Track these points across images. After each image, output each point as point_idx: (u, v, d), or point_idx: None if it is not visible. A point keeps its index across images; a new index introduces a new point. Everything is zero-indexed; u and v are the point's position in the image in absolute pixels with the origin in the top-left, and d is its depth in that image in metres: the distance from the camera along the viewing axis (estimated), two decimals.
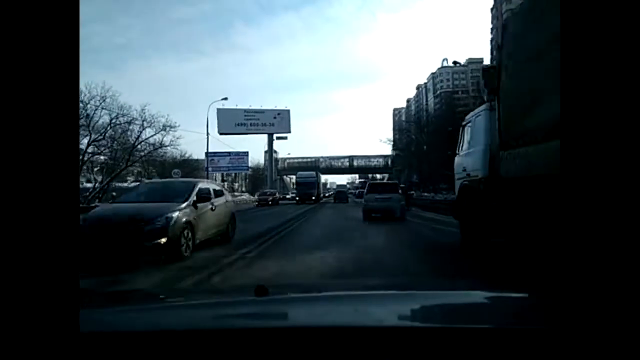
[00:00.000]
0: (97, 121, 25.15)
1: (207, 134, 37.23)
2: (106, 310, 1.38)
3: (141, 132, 27.01)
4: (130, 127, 26.86)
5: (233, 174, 67.52)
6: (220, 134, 53.98)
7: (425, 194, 41.73)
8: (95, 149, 25.69)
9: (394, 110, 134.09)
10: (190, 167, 47.44)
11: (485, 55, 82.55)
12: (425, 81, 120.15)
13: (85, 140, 23.71)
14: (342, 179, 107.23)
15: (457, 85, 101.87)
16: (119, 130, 26.80)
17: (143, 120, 26.39)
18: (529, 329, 1.02)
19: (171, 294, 2.39)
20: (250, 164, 59.18)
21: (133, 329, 1.10)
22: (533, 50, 4.75)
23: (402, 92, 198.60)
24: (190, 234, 7.05)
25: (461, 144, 8.67)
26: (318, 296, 1.62)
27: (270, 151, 67.61)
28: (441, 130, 36.48)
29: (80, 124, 21.24)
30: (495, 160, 6.23)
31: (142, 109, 26.33)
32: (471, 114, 8.41)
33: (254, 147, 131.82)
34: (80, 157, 22.88)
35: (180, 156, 42.29)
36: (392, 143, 65.46)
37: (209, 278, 5.58)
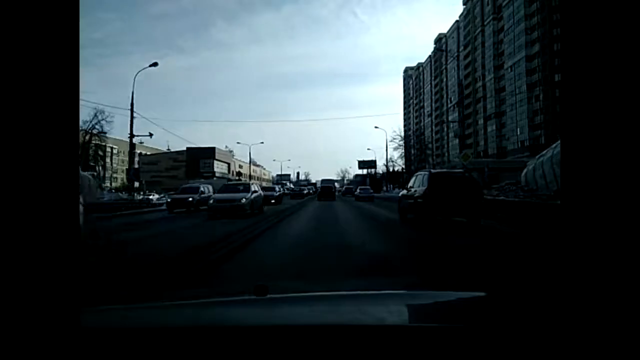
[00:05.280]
0: None
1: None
2: (108, 308, 1.38)
3: None
4: None
5: None
6: None
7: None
8: None
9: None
10: None
11: None
12: (458, 19, 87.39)
13: None
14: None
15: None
16: None
17: None
18: (528, 328, 1.01)
19: (171, 293, 2.33)
20: None
21: (135, 326, 1.11)
22: None
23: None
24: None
25: None
26: (318, 295, 1.62)
27: None
28: None
29: None
30: None
31: None
32: None
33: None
34: None
35: None
36: None
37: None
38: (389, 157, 65.79)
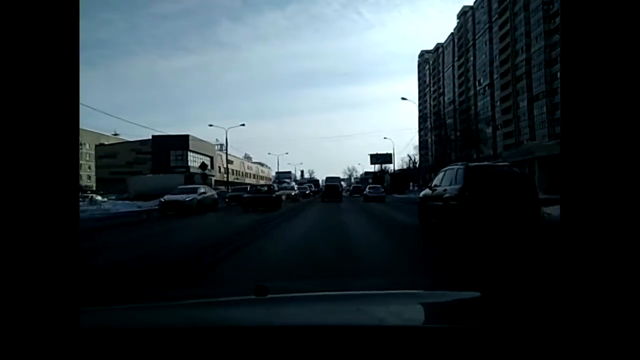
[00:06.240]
0: None
1: None
2: (107, 308, 1.39)
3: None
4: None
5: None
6: None
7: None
8: None
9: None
10: None
11: None
12: None
13: None
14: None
15: None
16: None
17: None
18: (527, 328, 1.02)
19: (171, 293, 2.32)
20: None
21: (134, 326, 1.12)
22: None
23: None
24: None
25: None
26: (319, 295, 1.60)
27: None
28: None
29: None
30: None
31: None
32: None
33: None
34: None
35: None
36: None
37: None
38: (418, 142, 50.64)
